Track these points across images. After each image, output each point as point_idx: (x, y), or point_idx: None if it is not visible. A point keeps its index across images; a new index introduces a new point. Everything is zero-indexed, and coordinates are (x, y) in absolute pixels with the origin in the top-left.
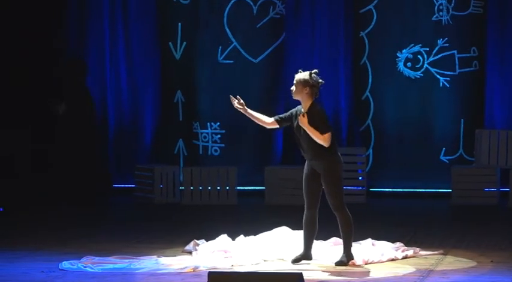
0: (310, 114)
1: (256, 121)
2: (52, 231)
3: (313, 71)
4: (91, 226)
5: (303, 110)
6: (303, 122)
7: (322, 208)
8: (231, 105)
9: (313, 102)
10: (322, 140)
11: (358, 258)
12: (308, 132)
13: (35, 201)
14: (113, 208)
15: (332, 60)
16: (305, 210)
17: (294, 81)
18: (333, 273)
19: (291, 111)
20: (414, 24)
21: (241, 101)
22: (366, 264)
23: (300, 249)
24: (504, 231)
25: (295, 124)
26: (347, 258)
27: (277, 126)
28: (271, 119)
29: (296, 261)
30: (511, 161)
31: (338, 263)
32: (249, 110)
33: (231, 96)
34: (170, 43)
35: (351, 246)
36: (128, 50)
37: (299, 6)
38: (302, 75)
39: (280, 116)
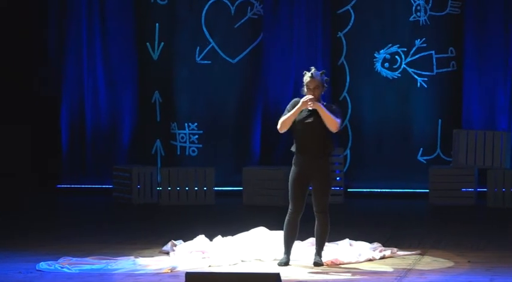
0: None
1: (290, 122)
2: (29, 232)
3: (321, 72)
4: (68, 227)
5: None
6: (315, 104)
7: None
8: (209, 105)
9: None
10: (333, 124)
11: (335, 259)
12: (321, 113)
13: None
14: (90, 209)
15: (310, 60)
16: (290, 213)
17: (314, 85)
18: (310, 273)
19: (292, 104)
20: (392, 24)
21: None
22: (343, 264)
23: (277, 250)
24: (481, 231)
25: (301, 116)
26: (322, 258)
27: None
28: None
29: (284, 265)
30: (489, 161)
31: (316, 264)
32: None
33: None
34: (148, 43)
35: (323, 248)
36: (105, 50)
37: (277, 6)
38: (317, 77)
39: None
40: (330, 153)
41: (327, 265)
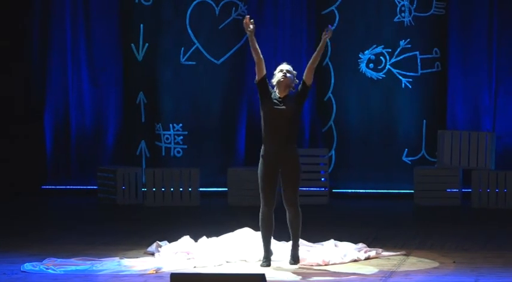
0: (292, 94)
1: (254, 52)
2: (14, 233)
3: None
4: (53, 228)
5: (278, 95)
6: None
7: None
8: (194, 106)
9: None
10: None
11: (320, 259)
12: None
13: None
14: (75, 210)
15: (294, 61)
16: (263, 208)
17: (289, 71)
18: (295, 274)
19: (270, 88)
20: (376, 25)
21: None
22: (328, 265)
23: (262, 251)
24: (466, 232)
25: (272, 103)
26: (298, 255)
27: (263, 71)
28: (263, 64)
29: (266, 266)
30: (473, 162)
31: (292, 262)
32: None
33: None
34: (132, 44)
35: (298, 240)
36: (90, 51)
37: (261, 7)
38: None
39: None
40: (296, 138)
41: (311, 266)
